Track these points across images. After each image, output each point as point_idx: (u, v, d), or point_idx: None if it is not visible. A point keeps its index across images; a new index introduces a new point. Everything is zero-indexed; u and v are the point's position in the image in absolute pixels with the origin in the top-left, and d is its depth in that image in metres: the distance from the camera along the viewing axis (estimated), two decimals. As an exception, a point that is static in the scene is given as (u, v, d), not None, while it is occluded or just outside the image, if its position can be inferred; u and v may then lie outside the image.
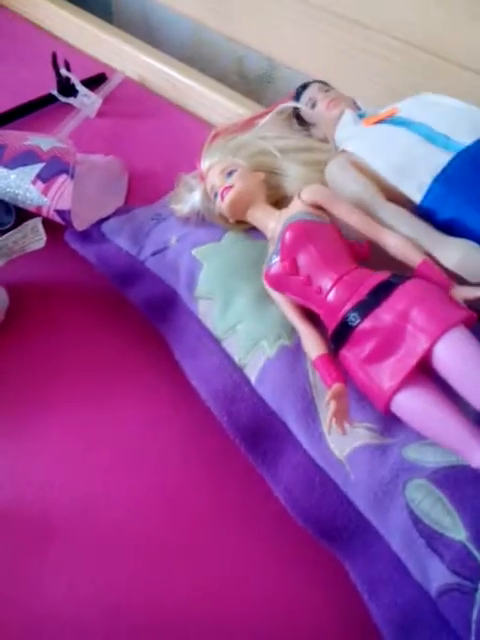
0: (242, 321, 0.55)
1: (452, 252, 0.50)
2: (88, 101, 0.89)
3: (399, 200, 0.55)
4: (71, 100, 0.90)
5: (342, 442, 0.47)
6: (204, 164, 0.62)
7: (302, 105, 0.68)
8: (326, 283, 0.49)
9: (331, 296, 0.48)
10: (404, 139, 0.56)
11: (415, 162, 0.54)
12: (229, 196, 0.57)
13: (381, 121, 0.60)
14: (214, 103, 0.90)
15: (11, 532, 0.49)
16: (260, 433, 0.50)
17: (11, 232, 0.59)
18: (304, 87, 0.69)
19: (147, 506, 0.51)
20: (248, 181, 0.58)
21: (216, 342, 0.56)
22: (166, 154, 0.84)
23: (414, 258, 0.50)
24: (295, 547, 0.49)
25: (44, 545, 0.49)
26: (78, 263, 0.65)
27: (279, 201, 0.60)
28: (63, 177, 0.63)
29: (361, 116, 0.63)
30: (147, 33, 1.16)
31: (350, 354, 0.47)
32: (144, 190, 0.78)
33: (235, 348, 0.54)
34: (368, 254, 0.52)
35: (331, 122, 0.65)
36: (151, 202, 0.72)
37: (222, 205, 0.58)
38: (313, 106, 0.67)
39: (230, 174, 0.59)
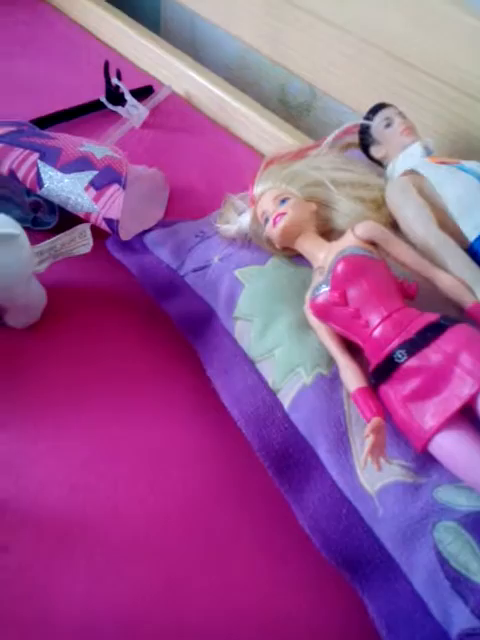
0: (280, 346, 0.55)
1: None
2: (135, 112, 0.90)
3: (450, 234, 0.57)
4: (118, 109, 0.91)
5: (374, 477, 0.47)
6: (257, 189, 0.63)
7: (375, 123, 0.69)
8: (375, 318, 0.50)
9: (378, 331, 0.49)
10: (471, 182, 0.58)
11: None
12: (282, 223, 0.58)
13: (445, 164, 0.61)
14: (257, 127, 0.91)
15: (33, 534, 0.49)
16: (289, 459, 0.51)
17: (60, 235, 0.60)
18: (382, 106, 0.70)
19: (168, 519, 0.51)
20: (301, 210, 0.59)
21: (251, 363, 0.57)
22: (206, 172, 0.85)
23: (466, 300, 0.51)
24: (314, 572, 0.49)
25: (64, 550, 0.49)
26: (117, 272, 0.66)
27: (327, 233, 0.61)
28: (115, 187, 0.64)
29: (428, 153, 0.65)
30: (192, 49, 1.18)
31: (391, 390, 0.48)
32: (182, 205, 0.79)
33: (270, 372, 0.55)
34: (416, 294, 0.53)
35: (399, 147, 0.67)
36: (189, 217, 0.73)
37: (273, 231, 0.59)
38: (388, 126, 0.68)
39: (283, 201, 0.60)
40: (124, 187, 0.64)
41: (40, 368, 0.60)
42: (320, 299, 0.53)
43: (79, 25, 1.14)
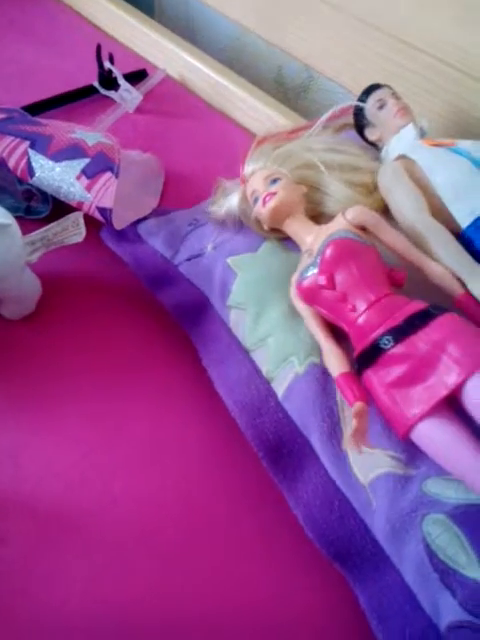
0: (273, 334, 0.55)
1: None
2: (129, 96, 0.89)
3: (443, 220, 0.56)
4: (111, 94, 0.90)
5: (366, 467, 0.47)
6: (247, 168, 0.63)
7: (369, 105, 0.68)
8: (362, 303, 0.49)
9: (365, 317, 0.49)
10: (465, 166, 0.57)
11: (474, 189, 0.55)
12: (272, 203, 0.57)
13: (439, 146, 0.60)
14: (254, 109, 0.90)
15: (31, 527, 0.50)
16: (283, 449, 0.51)
17: (52, 224, 0.59)
18: (376, 87, 0.69)
19: (166, 511, 0.52)
20: (291, 191, 0.58)
21: (245, 352, 0.57)
22: (202, 157, 0.84)
23: (456, 289, 0.51)
24: (310, 560, 0.49)
25: (62, 541, 0.49)
26: (113, 260, 0.66)
27: (316, 217, 0.60)
28: (108, 175, 0.64)
29: (422, 135, 0.64)
30: (188, 32, 1.16)
31: (375, 376, 0.48)
32: (178, 191, 0.79)
33: (264, 360, 0.55)
34: (403, 282, 0.53)
35: (393, 129, 0.65)
36: (184, 204, 0.73)
37: (262, 211, 0.58)
38: (381, 108, 0.67)
39: (274, 181, 0.59)
40: (117, 175, 0.64)
41: (36, 359, 0.60)
42: (307, 281, 0.52)
43: (71, 8, 1.12)
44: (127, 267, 0.64)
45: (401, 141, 0.64)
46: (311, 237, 0.56)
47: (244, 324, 0.57)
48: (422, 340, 0.46)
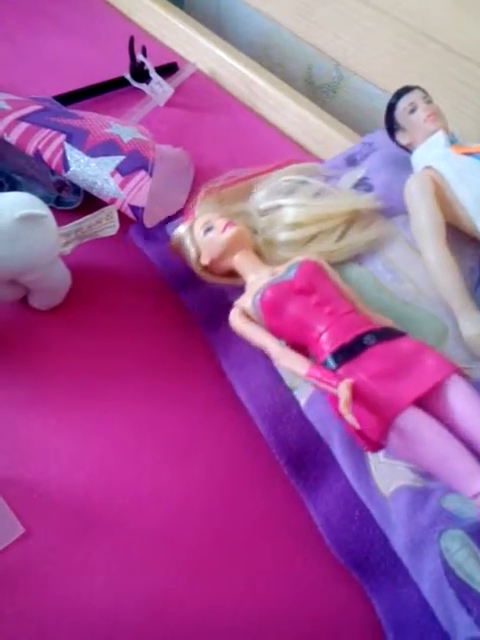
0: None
1: (473, 326, 0.54)
2: (160, 89, 0.89)
3: (465, 232, 0.58)
4: (143, 86, 0.90)
5: (388, 479, 0.48)
6: (200, 208, 0.63)
7: (400, 108, 0.68)
8: (343, 308, 0.52)
9: (348, 318, 0.52)
10: None
11: None
12: (232, 230, 0.59)
13: (470, 154, 0.59)
14: (284, 107, 0.90)
15: (57, 520, 0.50)
16: (305, 457, 0.52)
17: (87, 217, 0.59)
18: (408, 90, 0.68)
19: (189, 508, 0.52)
20: (246, 231, 0.60)
21: (267, 360, 0.57)
22: (232, 153, 0.84)
23: None
24: (331, 568, 0.49)
25: (86, 536, 0.50)
26: (141, 257, 0.66)
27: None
28: (142, 173, 0.64)
29: (452, 142, 0.63)
30: (216, 25, 1.15)
31: (357, 368, 0.49)
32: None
33: (287, 369, 0.55)
34: None
35: (423, 134, 0.66)
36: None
37: (220, 237, 0.59)
38: (412, 111, 0.67)
39: (228, 223, 0.60)
40: (151, 174, 0.63)
41: (63, 351, 0.61)
42: (283, 285, 0.54)
43: (103, 0, 1.12)
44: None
45: (429, 149, 0.63)
46: (254, 277, 0.57)
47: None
48: (403, 342, 0.50)
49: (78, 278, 0.64)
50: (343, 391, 0.46)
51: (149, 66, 0.89)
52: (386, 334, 0.51)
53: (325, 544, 0.49)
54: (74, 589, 0.47)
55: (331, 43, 0.94)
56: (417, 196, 0.59)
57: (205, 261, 0.60)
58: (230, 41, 1.01)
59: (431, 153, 0.63)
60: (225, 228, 0.59)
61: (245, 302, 0.56)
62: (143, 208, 0.63)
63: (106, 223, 0.60)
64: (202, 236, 0.60)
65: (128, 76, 0.90)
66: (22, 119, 0.66)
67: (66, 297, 0.64)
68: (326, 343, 0.51)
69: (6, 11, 1.03)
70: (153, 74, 0.89)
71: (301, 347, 0.53)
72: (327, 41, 0.94)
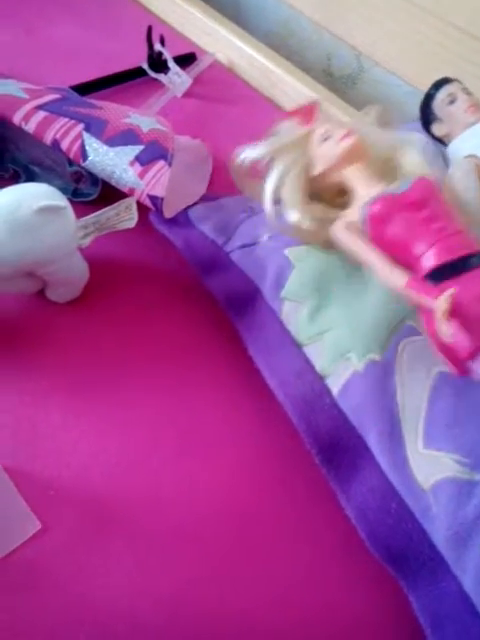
0: (331, 329, 0.54)
1: None
2: (178, 80, 0.87)
3: None
4: (160, 76, 0.88)
5: (428, 471, 0.46)
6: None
7: (438, 99, 0.67)
8: (452, 227, 0.48)
9: (458, 236, 0.48)
10: None
11: None
12: (350, 139, 0.55)
13: None
14: (303, 98, 0.88)
15: (74, 515, 0.49)
16: (338, 447, 0.49)
17: (105, 209, 0.58)
18: (447, 81, 0.68)
19: (210, 503, 0.51)
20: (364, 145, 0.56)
21: (297, 346, 0.55)
22: (250, 143, 0.82)
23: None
24: (359, 564, 0.48)
25: (104, 532, 0.48)
26: (160, 248, 0.65)
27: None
28: (161, 163, 0.62)
29: None
30: (234, 13, 1.13)
31: (459, 286, 0.45)
32: (225, 178, 0.76)
33: (318, 355, 0.53)
34: None
35: (462, 125, 0.65)
36: (231, 191, 0.71)
37: (337, 147, 0.55)
38: (451, 102, 0.66)
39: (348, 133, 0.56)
40: (170, 164, 0.62)
41: (80, 344, 0.59)
42: (395, 196, 0.50)
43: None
44: (174, 255, 0.63)
45: (471, 138, 0.63)
46: (365, 191, 0.53)
47: (299, 317, 0.55)
48: None
49: (96, 271, 0.63)
50: (442, 303, 0.44)
51: (167, 56, 0.88)
52: None
53: (350, 542, 0.47)
54: (91, 586, 0.45)
55: (352, 32, 0.93)
56: (462, 178, 0.57)
57: (317, 171, 0.57)
58: (248, 31, 0.99)
59: (471, 143, 0.62)
60: (344, 137, 0.55)
61: (351, 215, 0.53)
62: (162, 198, 0.62)
63: (125, 215, 0.59)
64: (316, 148, 0.57)
65: (146, 66, 0.89)
66: (40, 108, 0.65)
67: (84, 290, 0.62)
68: (429, 259, 0.48)
69: (23, 1, 1.03)
70: (171, 64, 0.88)
71: (405, 267, 0.50)
72: (348, 30, 0.93)
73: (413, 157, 0.57)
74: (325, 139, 0.57)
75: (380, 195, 0.52)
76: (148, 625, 0.45)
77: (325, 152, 0.56)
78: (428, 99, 0.68)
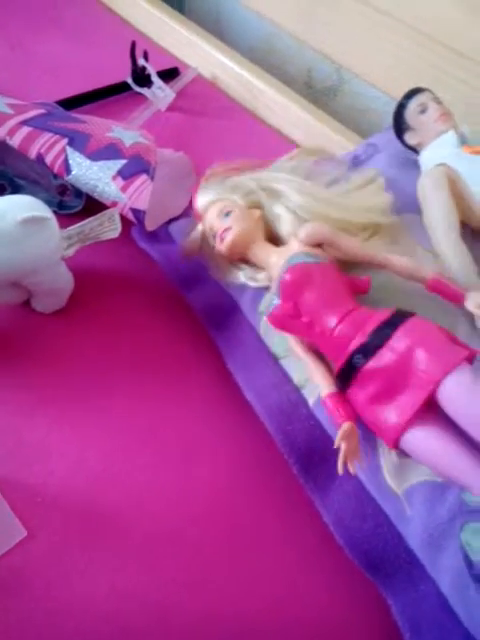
0: (306, 342, 0.55)
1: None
2: (161, 94, 0.89)
3: (477, 230, 0.58)
4: (144, 91, 0.90)
5: (400, 477, 0.47)
6: (200, 202, 0.63)
7: (410, 109, 0.69)
8: (329, 324, 0.50)
9: (335, 337, 0.50)
10: None
11: None
12: (228, 238, 0.58)
13: None
14: (285, 110, 0.90)
15: (60, 522, 0.50)
16: (314, 456, 0.51)
17: (89, 219, 0.59)
18: (418, 91, 0.69)
19: (193, 511, 0.52)
20: (245, 222, 0.59)
21: (274, 359, 0.57)
22: (233, 157, 0.83)
23: (425, 275, 0.54)
24: (338, 568, 0.49)
25: (89, 537, 0.49)
26: (144, 258, 0.66)
27: (275, 238, 0.61)
28: (143, 177, 0.64)
29: (462, 142, 0.63)
30: (216, 30, 1.15)
31: (356, 393, 0.49)
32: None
33: (295, 368, 0.55)
34: (368, 287, 0.55)
35: (433, 134, 0.66)
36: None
37: (221, 247, 0.59)
38: (422, 112, 0.67)
39: (227, 214, 0.59)
40: (152, 177, 0.63)
41: (65, 354, 0.60)
42: (275, 312, 0.53)
43: (103, 5, 1.12)
44: (158, 266, 0.64)
45: (442, 147, 0.64)
46: (274, 258, 0.56)
47: (276, 332, 0.56)
48: (391, 351, 0.47)
49: (80, 281, 0.64)
50: (340, 434, 0.47)
51: (151, 70, 0.89)
52: (376, 340, 0.48)
53: (332, 546, 0.48)
54: (77, 592, 0.46)
55: (332, 46, 0.95)
56: (431, 190, 0.59)
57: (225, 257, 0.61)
58: (230, 45, 1.01)
59: (442, 152, 0.63)
60: (222, 237, 0.59)
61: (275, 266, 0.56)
62: (145, 211, 0.63)
63: (108, 226, 0.60)
64: (213, 242, 0.61)
65: (130, 81, 0.90)
66: (24, 123, 0.66)
67: (69, 300, 0.63)
68: (332, 364, 0.52)
69: (9, 16, 1.04)
70: (155, 78, 0.89)
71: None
72: (328, 44, 0.95)
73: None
74: (213, 236, 0.61)
75: (266, 313, 0.55)
76: (135, 628, 0.45)
77: (218, 248, 0.60)
78: (400, 109, 0.69)
